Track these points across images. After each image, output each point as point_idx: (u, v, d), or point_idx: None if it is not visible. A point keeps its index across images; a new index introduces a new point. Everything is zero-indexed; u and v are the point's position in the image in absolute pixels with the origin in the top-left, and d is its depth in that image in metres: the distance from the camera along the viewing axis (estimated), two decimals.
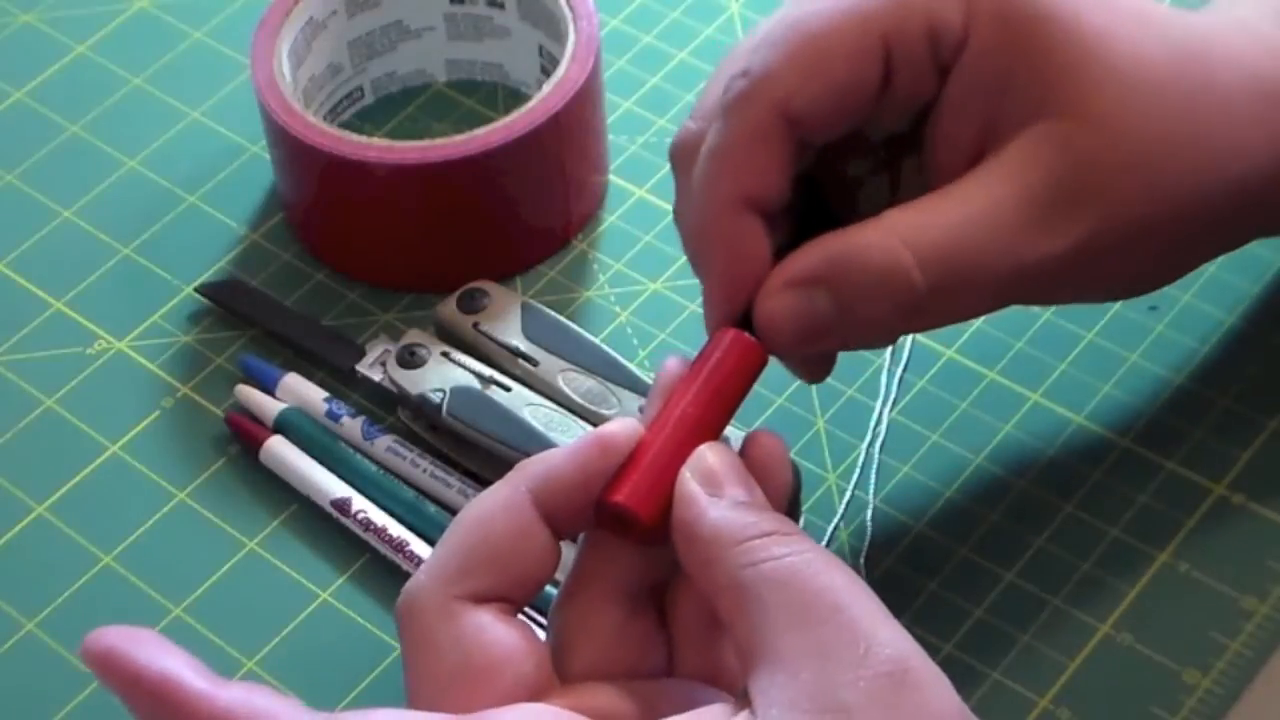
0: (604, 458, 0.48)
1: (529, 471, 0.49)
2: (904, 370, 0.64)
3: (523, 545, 0.48)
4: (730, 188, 0.52)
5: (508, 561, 0.48)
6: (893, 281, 0.50)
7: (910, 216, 0.51)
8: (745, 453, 0.49)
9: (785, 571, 0.45)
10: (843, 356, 0.64)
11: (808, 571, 0.45)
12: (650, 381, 0.61)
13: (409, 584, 0.48)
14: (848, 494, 0.61)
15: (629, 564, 0.49)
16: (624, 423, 0.49)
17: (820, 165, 0.54)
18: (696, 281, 0.66)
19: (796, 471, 0.58)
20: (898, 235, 0.50)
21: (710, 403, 0.49)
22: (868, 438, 0.62)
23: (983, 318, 0.65)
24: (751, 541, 0.46)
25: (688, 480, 0.47)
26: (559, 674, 0.48)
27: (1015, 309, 0.65)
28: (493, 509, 0.48)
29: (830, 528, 0.60)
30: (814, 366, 0.55)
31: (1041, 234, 0.51)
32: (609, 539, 0.49)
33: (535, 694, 0.47)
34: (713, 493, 0.47)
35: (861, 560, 0.59)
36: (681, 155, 0.54)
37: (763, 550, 0.45)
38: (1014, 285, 0.52)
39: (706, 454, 0.48)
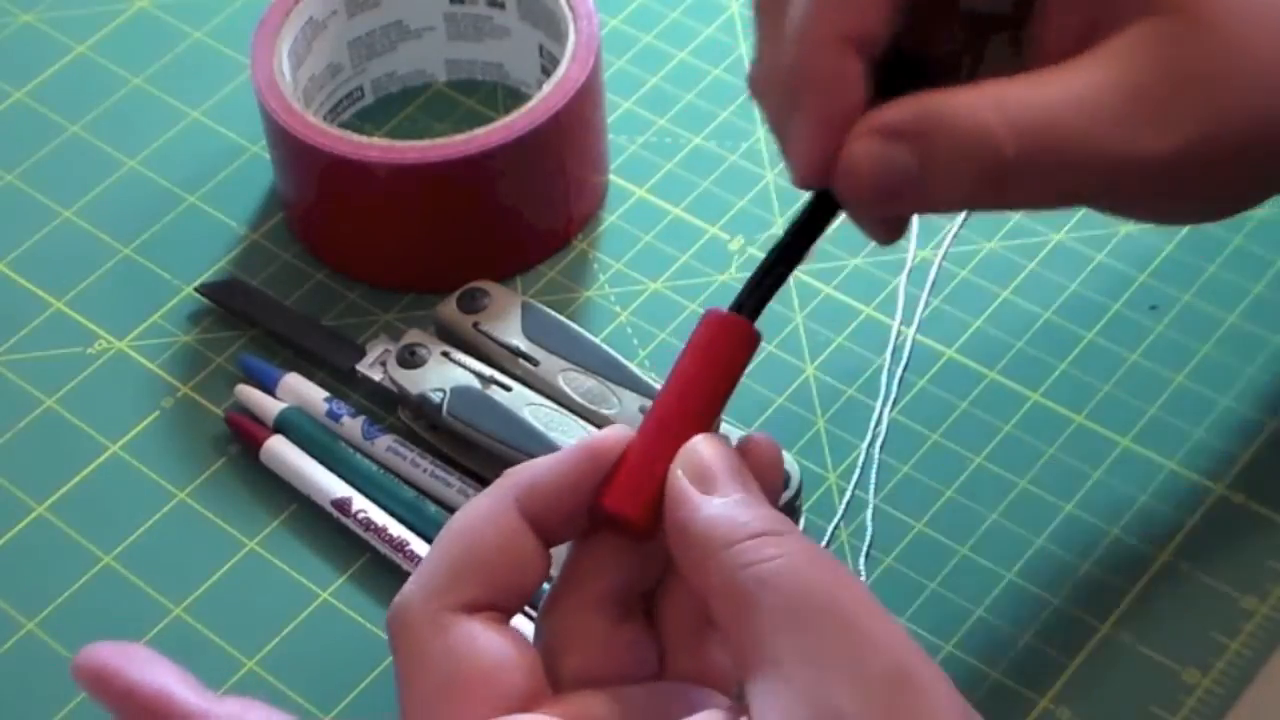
0: (592, 464, 0.47)
1: (515, 479, 0.48)
2: (904, 370, 0.64)
3: (510, 554, 0.47)
4: (832, 23, 0.49)
5: (496, 570, 0.47)
6: (981, 147, 0.49)
7: (1009, 88, 0.49)
8: (742, 450, 0.48)
9: (779, 573, 0.44)
10: (843, 356, 0.64)
11: (802, 573, 0.44)
12: (650, 381, 0.61)
13: (398, 596, 0.48)
14: (848, 494, 0.61)
15: (617, 569, 0.48)
16: (615, 429, 0.48)
17: (910, 35, 0.52)
18: (696, 281, 0.66)
19: (796, 471, 0.59)
20: (993, 102, 0.49)
21: (698, 390, 0.48)
22: (868, 438, 0.62)
23: (982, 317, 0.65)
24: (745, 543, 0.45)
25: (679, 478, 0.46)
26: (550, 681, 0.47)
27: (1014, 309, 0.65)
28: (479, 518, 0.48)
29: (830, 528, 0.60)
30: (889, 225, 0.53)
31: (1145, 129, 0.49)
32: (597, 544, 0.48)
33: (527, 703, 0.46)
34: (705, 490, 0.46)
35: (862, 560, 0.59)
36: (769, 3, 0.52)
37: (755, 552, 0.45)
38: (1105, 179, 0.50)
39: (698, 447, 0.47)
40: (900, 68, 0.51)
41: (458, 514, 0.48)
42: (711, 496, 0.46)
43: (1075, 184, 0.50)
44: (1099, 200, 0.53)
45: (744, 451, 0.48)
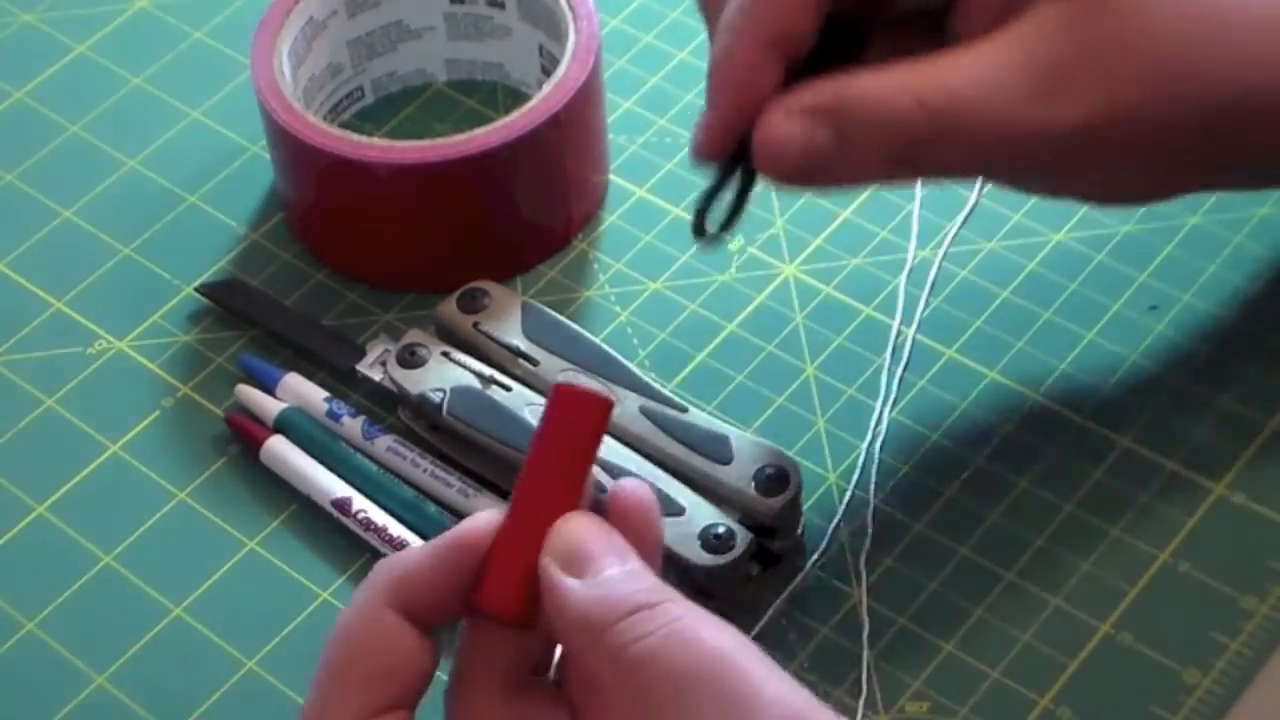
0: (462, 555, 0.47)
1: (386, 576, 0.47)
2: (904, 370, 0.64)
3: (391, 653, 0.47)
4: (755, 24, 0.53)
5: (383, 673, 0.47)
6: (894, 123, 0.52)
7: (922, 68, 0.53)
8: (609, 509, 0.48)
9: (656, 650, 0.44)
10: (843, 356, 0.64)
11: (678, 646, 0.44)
12: (651, 381, 0.61)
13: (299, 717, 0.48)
14: (848, 494, 0.61)
15: (510, 648, 0.47)
16: (481, 517, 0.48)
17: (834, 29, 0.55)
18: (696, 281, 0.66)
19: (796, 471, 0.59)
20: (904, 80, 0.52)
21: (557, 470, 0.47)
22: (868, 438, 0.62)
23: (982, 317, 0.65)
24: (621, 623, 0.44)
25: (548, 566, 0.46)
26: None
27: (1014, 309, 0.65)
28: (354, 624, 0.47)
29: (830, 528, 0.60)
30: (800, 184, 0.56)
31: (1042, 105, 0.52)
32: (485, 627, 0.47)
33: None
34: (578, 573, 0.46)
35: (862, 560, 0.59)
36: (711, 2, 0.56)
37: (630, 631, 0.44)
38: (1011, 154, 0.53)
39: (563, 530, 0.46)
40: (830, 38, 0.54)
41: (338, 620, 0.48)
42: (585, 579, 0.46)
43: (984, 158, 0.54)
44: (1009, 174, 0.56)
45: (612, 504, 0.48)
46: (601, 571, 0.46)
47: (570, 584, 0.46)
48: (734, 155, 0.54)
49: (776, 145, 0.52)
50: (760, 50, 0.53)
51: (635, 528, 0.47)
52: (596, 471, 0.58)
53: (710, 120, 0.54)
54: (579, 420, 0.47)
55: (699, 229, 0.55)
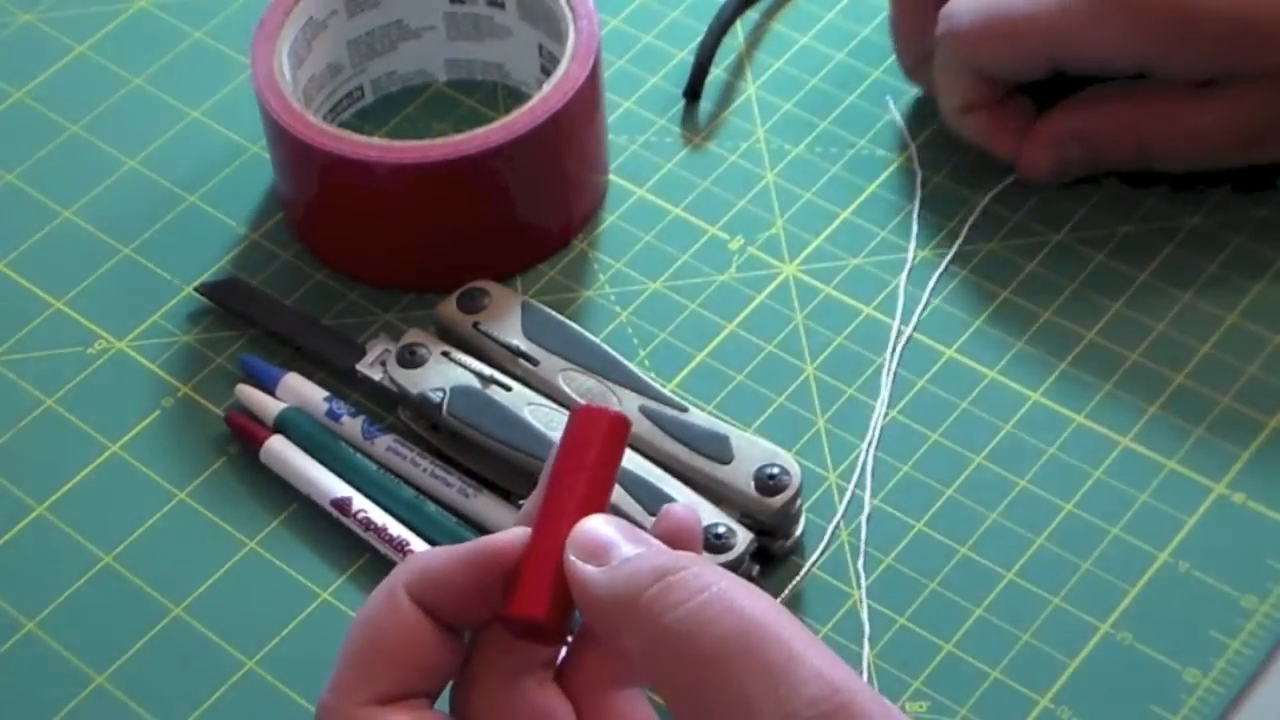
0: (488, 561, 0.47)
1: (408, 568, 0.48)
2: (904, 370, 0.64)
3: (413, 644, 0.47)
4: None
5: (398, 660, 0.47)
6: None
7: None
8: (656, 527, 0.48)
9: (692, 618, 0.44)
10: (843, 356, 0.64)
11: (715, 614, 0.44)
12: (651, 381, 0.61)
13: (318, 703, 0.48)
14: (848, 494, 0.61)
15: (519, 647, 0.48)
16: (512, 532, 0.48)
17: None
18: (696, 281, 0.67)
19: (796, 471, 0.59)
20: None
21: (580, 490, 0.47)
22: (868, 438, 0.62)
23: (981, 318, 0.65)
24: (648, 593, 0.44)
25: (573, 562, 0.46)
26: None
27: (1014, 309, 0.65)
28: (376, 612, 0.48)
29: (830, 527, 0.60)
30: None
31: None
32: (494, 627, 0.48)
33: None
34: (601, 561, 0.46)
35: (861, 560, 0.59)
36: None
37: (660, 600, 0.44)
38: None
39: (583, 527, 0.47)
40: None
41: (360, 609, 0.48)
42: (606, 566, 0.46)
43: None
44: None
45: (659, 524, 0.48)
46: (621, 555, 0.46)
47: (592, 571, 0.46)
48: None
49: (1036, 168, 0.67)
50: None
51: (679, 538, 0.48)
52: None
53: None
54: (600, 439, 0.48)
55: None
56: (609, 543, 0.46)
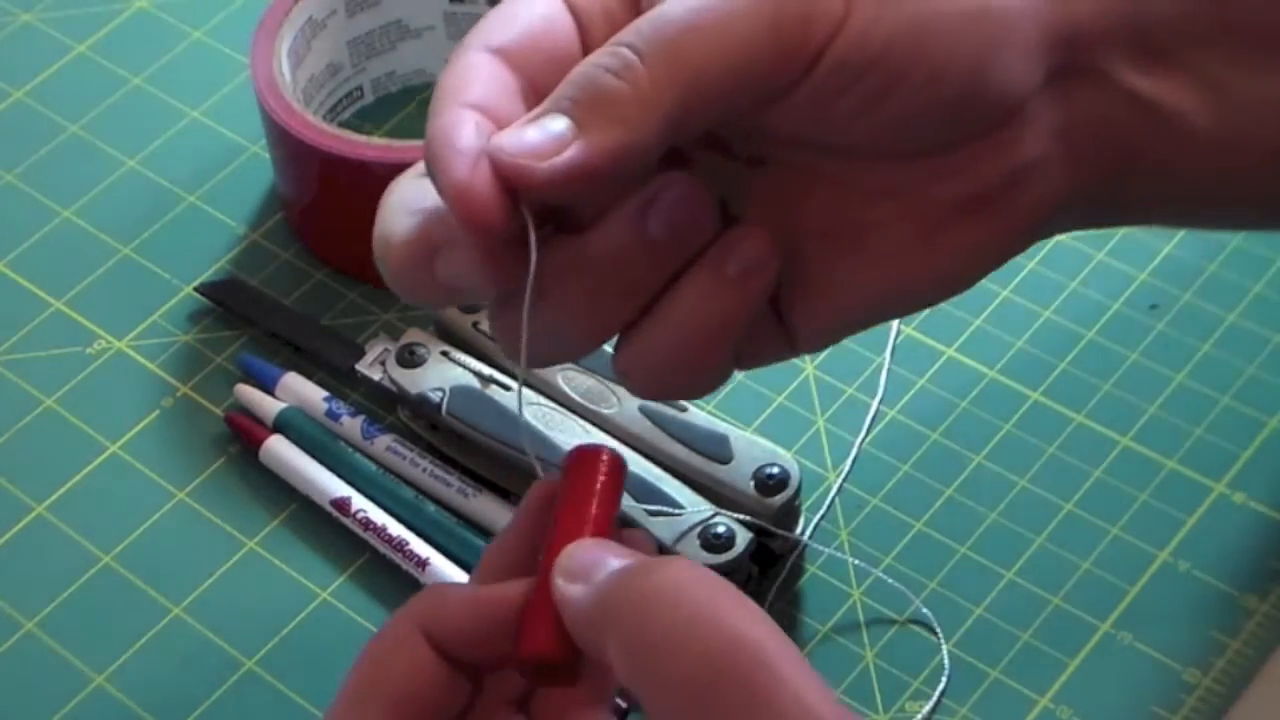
0: (498, 608, 0.47)
1: (420, 607, 0.48)
2: (902, 370, 0.64)
3: (417, 678, 0.47)
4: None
5: (404, 694, 0.47)
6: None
7: None
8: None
9: (669, 638, 0.43)
10: (843, 356, 0.64)
11: (706, 628, 0.43)
12: None
13: None
14: (846, 493, 0.61)
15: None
16: (521, 581, 0.47)
17: None
18: None
19: (796, 471, 0.58)
20: None
21: (581, 529, 0.47)
22: (866, 436, 0.62)
23: (982, 317, 0.65)
24: (626, 606, 0.44)
25: (558, 584, 0.46)
26: None
27: (1015, 309, 0.65)
28: (382, 645, 0.47)
29: (830, 527, 0.60)
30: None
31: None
32: None
33: None
34: (583, 582, 0.45)
35: (861, 560, 0.59)
36: None
37: (636, 580, 0.44)
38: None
39: (567, 550, 0.46)
40: None
41: (369, 641, 0.48)
42: (588, 583, 0.45)
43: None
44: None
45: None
46: (602, 571, 0.45)
47: (574, 589, 0.45)
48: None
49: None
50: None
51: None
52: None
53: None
54: (597, 478, 0.48)
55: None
56: (593, 562, 0.45)
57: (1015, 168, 0.48)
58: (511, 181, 0.44)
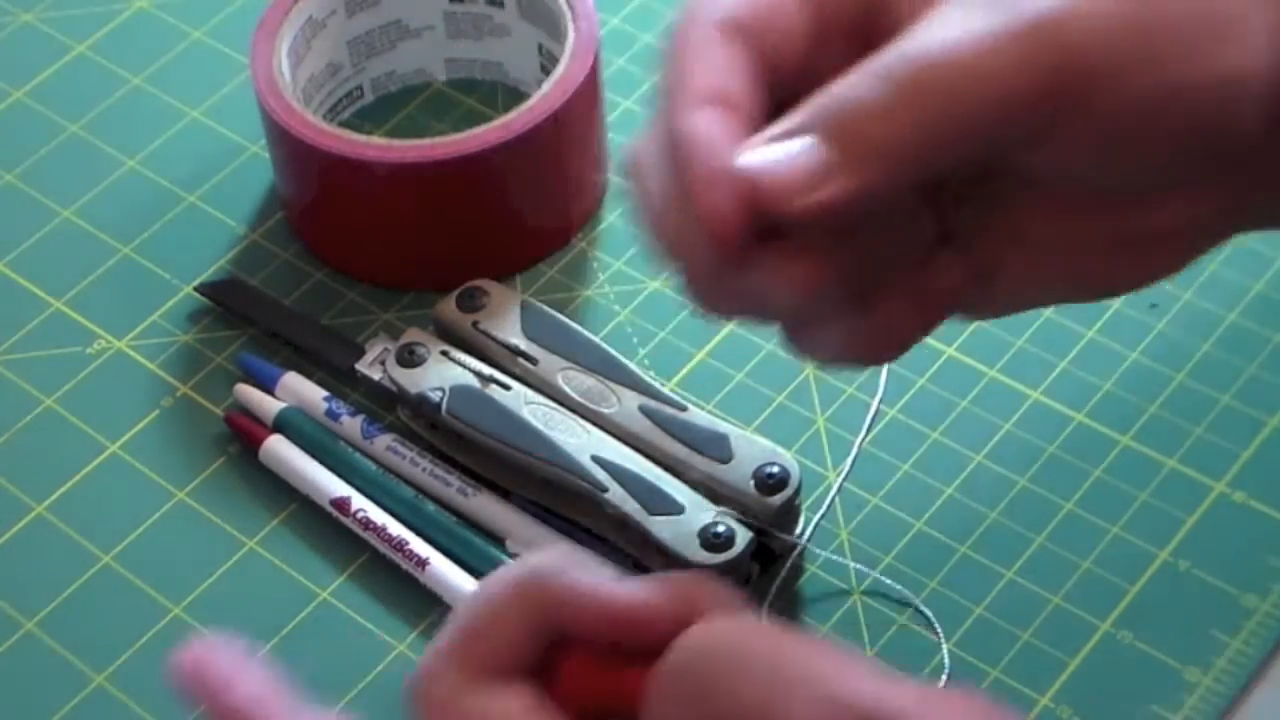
0: (637, 629, 0.45)
1: (545, 589, 0.46)
2: (890, 366, 0.64)
3: (509, 655, 0.46)
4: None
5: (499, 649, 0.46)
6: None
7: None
8: None
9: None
10: None
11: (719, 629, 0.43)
12: (650, 380, 0.61)
13: (419, 671, 0.46)
14: (846, 493, 0.61)
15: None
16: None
17: None
18: None
19: (796, 471, 0.58)
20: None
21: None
22: (867, 436, 0.62)
23: None
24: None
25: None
26: None
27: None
28: (493, 601, 0.46)
29: (830, 527, 0.60)
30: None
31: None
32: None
33: None
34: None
35: (861, 560, 0.59)
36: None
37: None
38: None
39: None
40: None
41: (483, 581, 0.47)
42: None
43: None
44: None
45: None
46: None
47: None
48: None
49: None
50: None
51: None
52: (594, 469, 0.58)
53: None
54: None
55: None
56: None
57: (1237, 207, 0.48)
58: (763, 205, 0.44)
